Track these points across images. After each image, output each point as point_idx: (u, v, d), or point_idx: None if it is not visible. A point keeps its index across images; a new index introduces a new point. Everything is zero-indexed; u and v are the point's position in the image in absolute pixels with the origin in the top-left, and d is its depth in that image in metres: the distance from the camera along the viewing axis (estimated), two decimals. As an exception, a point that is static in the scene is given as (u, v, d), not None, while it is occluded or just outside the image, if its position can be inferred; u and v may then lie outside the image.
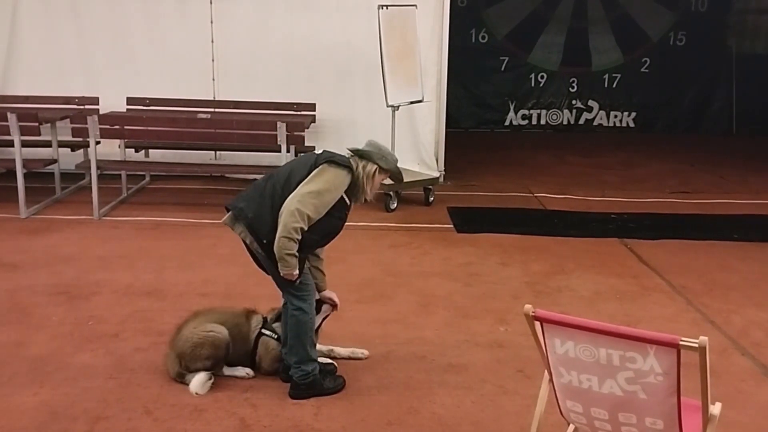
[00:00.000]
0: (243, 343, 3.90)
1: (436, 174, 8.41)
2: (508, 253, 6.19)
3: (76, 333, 4.40)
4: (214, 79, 8.35)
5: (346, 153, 3.73)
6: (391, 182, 4.15)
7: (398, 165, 3.82)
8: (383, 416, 3.59)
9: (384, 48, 7.36)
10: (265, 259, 3.57)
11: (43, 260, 5.66)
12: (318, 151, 3.71)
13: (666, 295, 5.35)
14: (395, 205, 7.50)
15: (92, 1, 8.23)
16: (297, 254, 3.45)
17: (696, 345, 2.19)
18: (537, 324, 2.47)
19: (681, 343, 2.20)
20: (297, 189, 3.48)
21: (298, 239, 3.42)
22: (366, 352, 4.22)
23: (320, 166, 3.55)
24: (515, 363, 4.17)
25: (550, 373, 2.61)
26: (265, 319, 4.00)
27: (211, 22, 8.25)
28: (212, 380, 3.77)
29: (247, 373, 3.88)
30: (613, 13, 12.67)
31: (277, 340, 3.91)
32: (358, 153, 3.70)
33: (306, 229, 3.44)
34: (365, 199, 3.74)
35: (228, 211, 3.66)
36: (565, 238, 6.64)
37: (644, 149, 11.33)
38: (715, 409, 2.48)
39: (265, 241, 3.51)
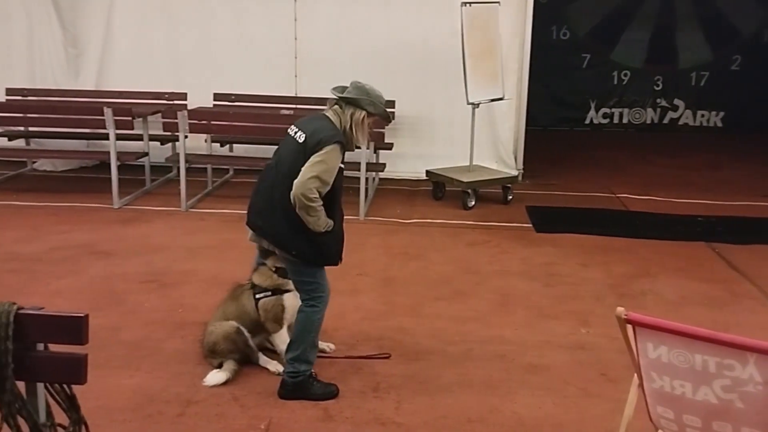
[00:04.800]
0: (253, 319, 3.94)
1: (514, 172, 8.34)
2: (589, 254, 6.08)
3: (167, 320, 4.59)
4: (296, 76, 8.52)
5: (332, 95, 3.64)
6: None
7: (386, 107, 3.66)
8: (464, 414, 3.60)
9: (466, 45, 7.35)
10: (289, 264, 3.65)
11: (135, 249, 5.92)
12: (297, 135, 3.54)
13: (757, 301, 5.15)
14: (473, 203, 7.48)
15: (182, 1, 8.53)
16: (321, 210, 3.42)
17: (801, 355, 2.11)
18: (629, 327, 2.43)
19: (785, 352, 2.13)
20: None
21: (315, 200, 3.37)
22: (332, 346, 4.22)
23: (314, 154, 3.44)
24: (598, 366, 4.11)
25: (641, 378, 2.56)
26: (252, 284, 3.98)
27: (295, 20, 8.42)
28: (229, 371, 3.85)
29: (276, 369, 3.90)
30: (702, 8, 12.23)
31: (273, 292, 3.90)
32: (345, 99, 3.57)
33: (322, 192, 3.40)
34: (357, 146, 3.65)
35: (249, 228, 3.72)
36: (649, 240, 6.48)
37: (733, 150, 10.92)
38: (818, 422, 2.38)
39: (294, 252, 3.56)
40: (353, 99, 3.55)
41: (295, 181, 3.40)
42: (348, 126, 3.55)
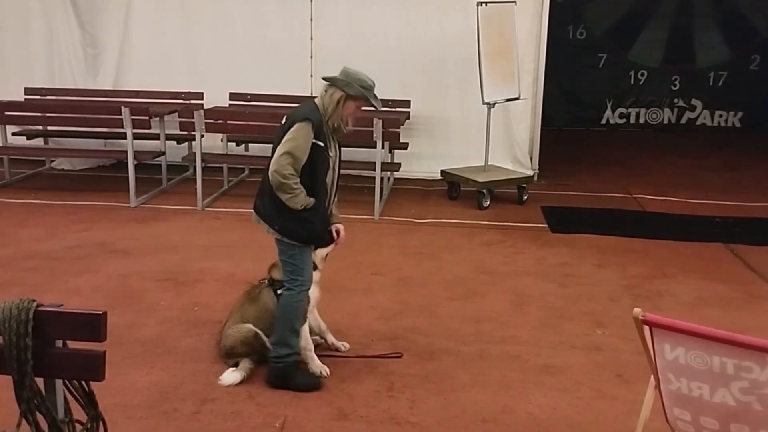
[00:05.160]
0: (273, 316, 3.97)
1: (530, 172, 8.32)
2: (605, 255, 6.05)
3: (183, 318, 4.62)
4: (312, 76, 8.53)
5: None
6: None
7: (374, 91, 3.71)
8: (478, 414, 3.59)
9: (482, 45, 7.33)
10: (277, 243, 3.75)
11: (152, 247, 5.96)
12: (282, 120, 3.71)
13: (776, 304, 5.10)
14: (488, 203, 7.46)
15: (199, 2, 8.58)
16: (297, 188, 3.54)
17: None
18: (646, 328, 2.42)
19: (804, 354, 2.11)
20: None
21: (290, 177, 3.51)
22: (347, 345, 4.23)
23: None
24: (613, 367, 4.08)
25: (657, 379, 2.55)
26: (271, 280, 4.02)
27: (311, 20, 8.44)
28: (245, 370, 3.87)
29: None
30: (720, 8, 12.12)
31: None
32: (327, 81, 3.69)
33: (295, 170, 3.51)
34: (341, 129, 3.72)
35: (253, 210, 3.86)
36: (666, 241, 6.43)
37: (751, 151, 10.82)
38: (837, 425, 2.35)
39: (277, 227, 3.68)
40: (332, 79, 3.68)
41: (271, 161, 3.56)
42: (326, 105, 3.65)
